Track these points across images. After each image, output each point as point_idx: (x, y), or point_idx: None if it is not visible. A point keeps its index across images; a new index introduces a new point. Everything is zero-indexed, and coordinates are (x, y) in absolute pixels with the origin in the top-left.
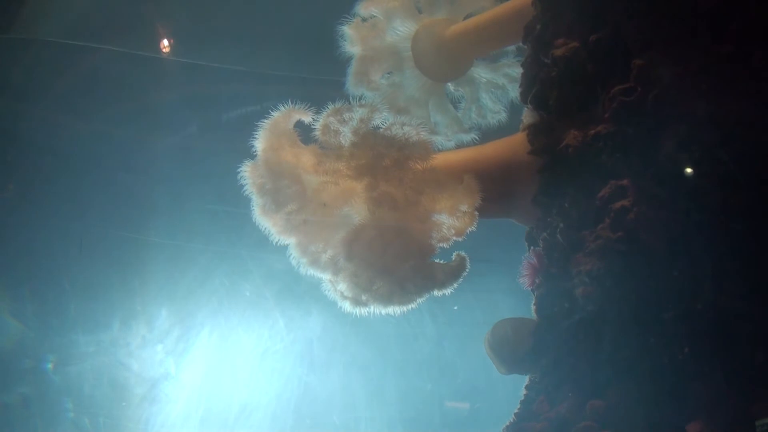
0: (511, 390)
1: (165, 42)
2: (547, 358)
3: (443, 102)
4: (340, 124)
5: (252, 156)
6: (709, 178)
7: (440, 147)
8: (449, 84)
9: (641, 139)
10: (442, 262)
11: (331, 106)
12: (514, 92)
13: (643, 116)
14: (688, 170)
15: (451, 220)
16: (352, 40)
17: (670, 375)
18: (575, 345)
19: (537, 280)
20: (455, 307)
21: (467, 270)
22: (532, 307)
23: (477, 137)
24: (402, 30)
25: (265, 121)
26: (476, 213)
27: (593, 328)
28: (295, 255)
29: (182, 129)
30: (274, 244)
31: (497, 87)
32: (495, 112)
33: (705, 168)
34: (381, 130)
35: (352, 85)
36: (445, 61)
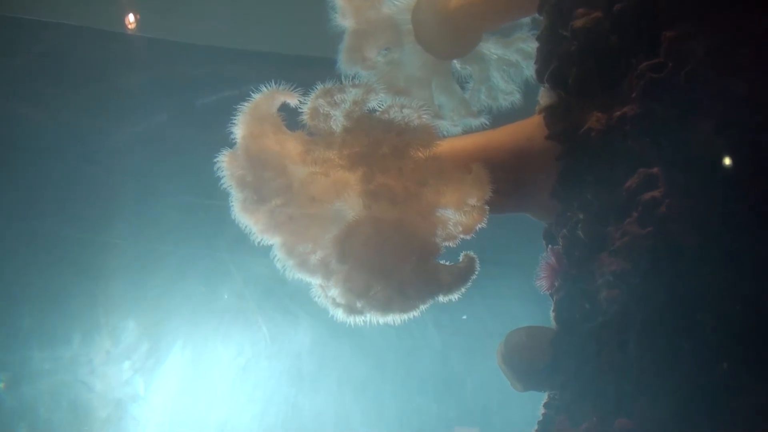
0: (527, 409)
1: (131, 16)
2: (568, 371)
3: (448, 82)
4: (330, 107)
5: (230, 144)
6: (748, 165)
7: (445, 132)
8: (455, 61)
9: (673, 122)
10: (447, 263)
11: (320, 87)
12: (529, 70)
13: (675, 95)
14: (726, 157)
15: (457, 216)
16: (343, 11)
17: (707, 388)
18: (599, 355)
19: (556, 283)
20: (464, 316)
21: (477, 272)
22: (551, 314)
23: (487, 121)
24: None
25: (245, 104)
26: (486, 207)
27: (619, 335)
28: (280, 256)
29: (151, 115)
30: (256, 244)
31: (510, 64)
32: (507, 93)
33: (744, 154)
34: (378, 113)
35: (344, 63)
36: (451, 35)
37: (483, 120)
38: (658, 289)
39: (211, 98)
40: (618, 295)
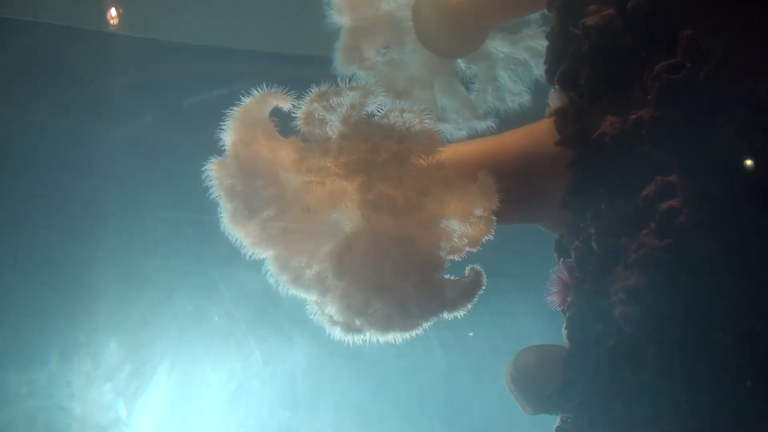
0: None
1: (113, 12)
2: (581, 393)
3: (452, 82)
4: (326, 112)
5: (219, 151)
6: None
7: (449, 137)
8: (459, 60)
9: (692, 126)
10: (452, 278)
11: (315, 90)
12: (539, 69)
13: (694, 98)
14: (749, 162)
15: (463, 227)
16: (339, 7)
17: (728, 412)
18: (613, 377)
19: (568, 299)
20: (470, 334)
21: (484, 288)
22: (563, 332)
23: (494, 125)
24: None
25: (235, 108)
26: (494, 218)
27: (634, 356)
28: (272, 271)
29: (135, 118)
30: (247, 258)
31: (518, 63)
32: (515, 94)
33: None
34: (376, 118)
35: (340, 64)
36: (454, 33)
37: (489, 123)
38: (675, 305)
39: (199, 100)
40: (632, 312)
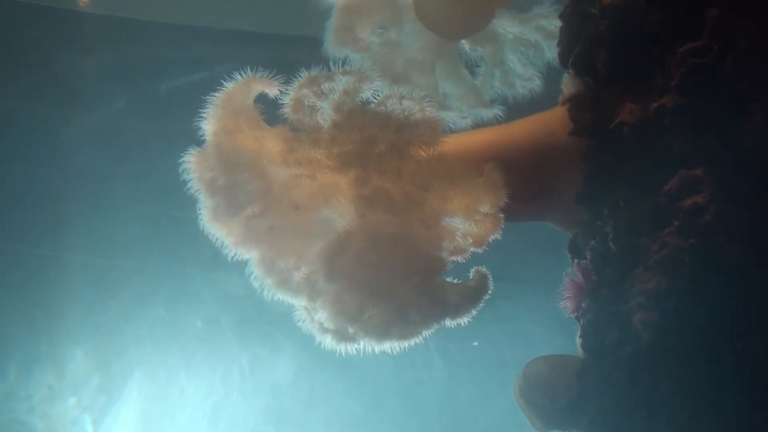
0: None
1: None
2: (596, 408)
3: (456, 66)
4: (317, 98)
5: (199, 141)
6: None
7: (452, 127)
8: (463, 42)
9: (719, 115)
10: (455, 281)
11: (304, 74)
12: (552, 52)
13: (721, 84)
14: None
15: (467, 225)
16: None
17: (759, 429)
18: (631, 390)
19: (583, 304)
20: (475, 343)
21: (490, 292)
22: (577, 340)
23: (501, 113)
24: None
25: (217, 94)
26: (501, 215)
27: (654, 367)
28: (257, 274)
29: (106, 105)
30: (229, 259)
31: (528, 45)
32: (526, 79)
33: None
34: (372, 105)
35: (332, 45)
36: (458, 10)
37: (497, 111)
38: (699, 311)
39: (177, 85)
40: (653, 318)
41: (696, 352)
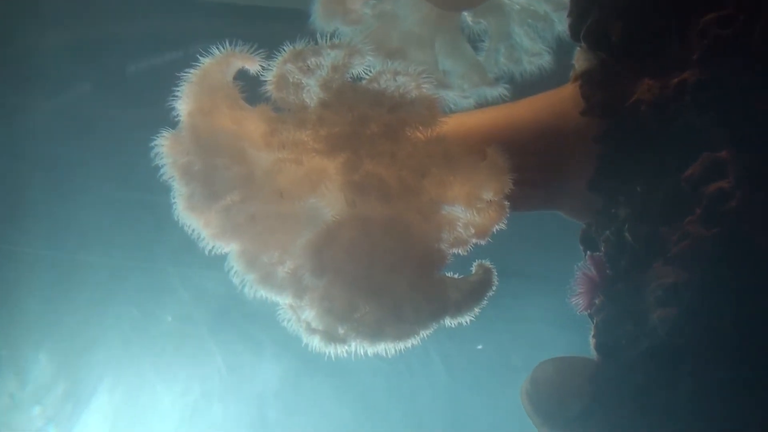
0: None
1: None
2: (611, 413)
3: (457, 40)
4: (302, 75)
5: (173, 123)
6: None
7: (453, 106)
8: (465, 14)
9: (745, 91)
10: (456, 276)
11: (289, 48)
12: (562, 24)
13: (748, 57)
14: None
15: (469, 215)
16: None
17: None
18: (648, 393)
19: (597, 301)
20: (478, 346)
21: (494, 288)
22: (590, 341)
23: (507, 92)
24: None
25: (192, 71)
26: (506, 203)
27: (673, 368)
28: (238, 268)
29: (70, 85)
30: (206, 253)
31: (536, 17)
32: (533, 54)
33: None
34: (364, 82)
35: (320, 17)
36: None
37: (502, 90)
38: (723, 307)
39: (147, 62)
40: (673, 315)
41: (720, 352)
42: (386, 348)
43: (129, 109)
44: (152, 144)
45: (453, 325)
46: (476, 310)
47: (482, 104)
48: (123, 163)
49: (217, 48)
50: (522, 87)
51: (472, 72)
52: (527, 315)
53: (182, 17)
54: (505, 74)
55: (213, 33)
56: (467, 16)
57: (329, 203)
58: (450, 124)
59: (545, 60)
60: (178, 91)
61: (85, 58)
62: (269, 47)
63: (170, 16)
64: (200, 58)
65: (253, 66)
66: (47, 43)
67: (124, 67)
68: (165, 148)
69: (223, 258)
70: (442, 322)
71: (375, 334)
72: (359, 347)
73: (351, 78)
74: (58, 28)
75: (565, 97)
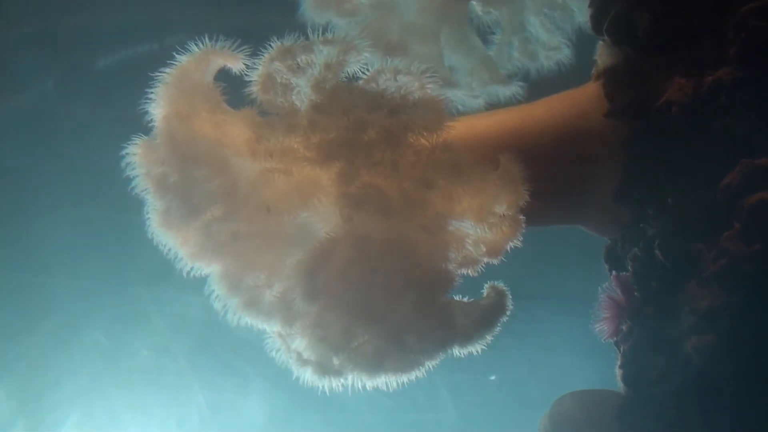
0: None
1: None
2: None
3: (464, 32)
4: (292, 74)
5: (146, 129)
6: None
7: (461, 108)
8: (474, 2)
9: None
10: (465, 299)
11: (276, 44)
12: (583, 15)
13: None
14: None
15: (479, 231)
16: None
17: None
18: (681, 428)
19: (624, 327)
20: (491, 377)
21: (508, 313)
22: (617, 372)
23: (521, 91)
24: None
25: (167, 70)
26: (522, 217)
27: (711, 400)
28: (220, 292)
29: (31, 86)
30: (184, 275)
31: (554, 5)
32: (551, 48)
33: None
34: (361, 82)
35: (311, 8)
36: None
37: (515, 88)
38: (764, 334)
39: (118, 60)
40: (710, 343)
41: (762, 385)
42: (387, 381)
43: (97, 110)
44: (123, 151)
45: (462, 355)
46: (488, 337)
47: (493, 105)
48: (91, 172)
49: (196, 44)
50: (538, 85)
51: (482, 68)
52: (546, 342)
53: (157, 6)
54: (519, 71)
55: (191, 25)
56: (476, 5)
57: (322, 219)
58: (458, 129)
59: (564, 55)
60: (153, 92)
61: (48, 53)
62: (254, 42)
63: (143, 4)
64: (177, 55)
65: (236, 64)
66: (7, 38)
67: (92, 63)
68: (137, 157)
69: (203, 281)
70: (449, 351)
71: (374, 365)
72: (357, 380)
73: (346, 78)
74: (19, 21)
75: (586, 97)
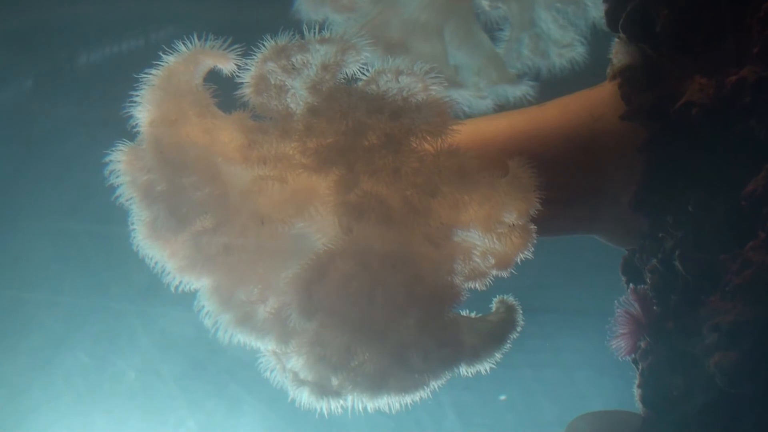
0: None
1: None
2: None
3: (471, 28)
4: (286, 75)
5: (131, 134)
6: None
7: (467, 109)
8: None
9: None
10: (473, 315)
11: (270, 43)
12: (597, 10)
13: None
14: None
15: (487, 241)
16: None
17: None
18: None
19: (642, 344)
20: (501, 396)
21: (518, 329)
22: (635, 391)
23: (532, 91)
24: None
25: (154, 71)
26: (532, 227)
27: (734, 422)
28: (210, 308)
29: (7, 85)
30: (172, 289)
31: (566, 0)
32: (563, 46)
33: None
34: (360, 83)
35: (306, 3)
36: None
37: (525, 88)
38: None
39: (101, 58)
40: (734, 360)
41: None
42: (389, 401)
43: (78, 112)
44: (107, 158)
45: (470, 374)
46: (497, 355)
47: (502, 106)
48: (72, 180)
49: (184, 42)
50: (550, 85)
51: (490, 66)
52: (559, 359)
53: (144, 3)
54: (530, 69)
55: (178, 18)
56: (483, 0)
57: (320, 229)
58: (464, 133)
59: (577, 52)
60: (138, 95)
61: (26, 50)
62: (246, 40)
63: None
64: (164, 53)
65: (226, 65)
66: None
67: (73, 62)
68: (123, 163)
69: (192, 296)
70: (456, 370)
71: (376, 385)
72: (357, 401)
73: (344, 79)
74: None
75: (601, 98)
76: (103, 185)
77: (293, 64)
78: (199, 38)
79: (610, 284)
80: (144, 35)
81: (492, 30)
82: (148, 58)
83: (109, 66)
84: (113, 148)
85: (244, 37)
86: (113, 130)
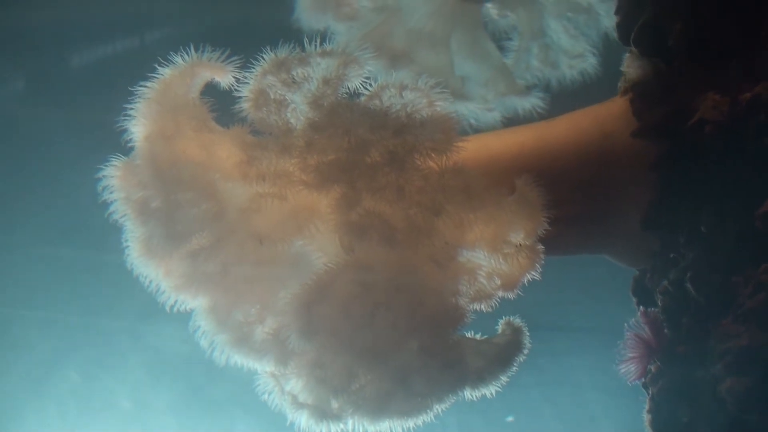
0: None
1: None
2: None
3: (478, 38)
4: (287, 89)
5: (125, 148)
6: None
7: (473, 123)
8: (489, 5)
9: None
10: (478, 337)
11: (270, 56)
12: (610, 19)
13: None
14: None
15: (493, 262)
16: None
17: None
18: None
19: (652, 368)
20: (509, 418)
21: (525, 352)
22: (645, 417)
23: (542, 103)
24: None
25: (149, 84)
26: (540, 247)
27: None
28: (207, 328)
29: None
30: (167, 309)
31: (578, 9)
32: (574, 57)
33: None
34: (363, 98)
35: (307, 11)
36: None
37: (535, 101)
38: None
39: (94, 65)
40: (746, 386)
41: None
42: (392, 425)
43: (68, 124)
44: (99, 173)
45: (476, 397)
46: (503, 378)
47: (510, 119)
48: (64, 195)
49: (181, 53)
50: (560, 97)
51: (498, 78)
52: (569, 378)
53: (139, 9)
54: (539, 81)
55: (173, 19)
56: (491, 8)
57: (320, 248)
58: (470, 149)
59: (589, 63)
60: (133, 108)
61: (13, 55)
62: (245, 51)
63: (121, 3)
64: (159, 66)
65: (224, 78)
66: None
67: (65, 68)
68: (116, 179)
69: (188, 315)
70: (461, 393)
71: (378, 408)
72: (358, 425)
73: (346, 93)
74: None
75: (612, 114)
76: (96, 200)
77: (293, 78)
78: (193, 43)
79: (619, 305)
80: (139, 36)
81: (500, 40)
82: (143, 61)
83: (104, 78)
84: (106, 156)
85: (243, 48)
86: (106, 144)
